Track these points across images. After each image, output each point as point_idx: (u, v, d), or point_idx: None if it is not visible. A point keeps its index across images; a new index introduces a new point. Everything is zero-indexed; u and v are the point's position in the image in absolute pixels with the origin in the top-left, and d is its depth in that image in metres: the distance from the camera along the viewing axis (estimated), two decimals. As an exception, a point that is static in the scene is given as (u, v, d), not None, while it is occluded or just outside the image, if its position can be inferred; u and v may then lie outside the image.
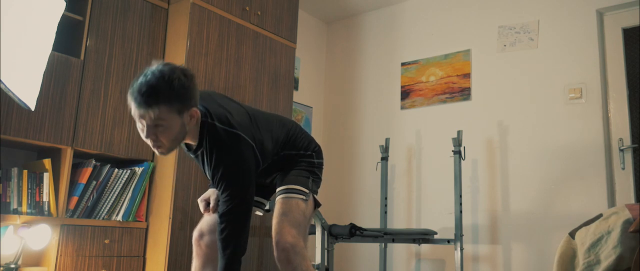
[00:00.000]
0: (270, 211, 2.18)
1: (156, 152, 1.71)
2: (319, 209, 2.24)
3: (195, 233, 2.00)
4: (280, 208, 1.88)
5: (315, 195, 1.98)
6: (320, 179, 2.03)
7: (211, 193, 2.01)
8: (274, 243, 1.82)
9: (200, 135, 1.74)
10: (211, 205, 1.97)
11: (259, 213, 2.16)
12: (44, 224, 2.34)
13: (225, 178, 1.73)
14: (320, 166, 2.04)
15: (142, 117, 1.61)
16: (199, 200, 2.02)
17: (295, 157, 1.98)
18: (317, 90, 4.34)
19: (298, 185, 1.92)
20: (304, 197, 1.91)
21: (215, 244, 1.93)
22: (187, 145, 1.84)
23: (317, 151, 2.04)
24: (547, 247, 3.02)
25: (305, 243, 1.86)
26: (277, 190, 1.94)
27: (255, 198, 2.04)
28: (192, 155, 1.85)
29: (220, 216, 1.74)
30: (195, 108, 1.69)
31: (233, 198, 1.72)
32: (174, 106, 1.61)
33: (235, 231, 1.72)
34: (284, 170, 1.97)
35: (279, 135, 1.94)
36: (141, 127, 1.65)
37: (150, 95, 1.56)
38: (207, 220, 2.00)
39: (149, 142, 1.67)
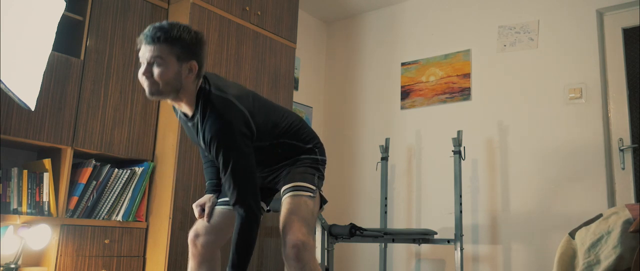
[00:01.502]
0: (270, 211, 2.18)
1: (146, 91, 1.75)
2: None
3: (191, 234, 1.99)
4: (288, 205, 1.85)
5: (321, 192, 1.97)
6: (323, 177, 2.02)
7: (206, 199, 2.01)
8: (283, 241, 1.79)
9: (196, 101, 1.79)
10: (206, 211, 1.98)
11: None
12: (44, 224, 2.34)
13: (217, 144, 1.74)
14: (323, 163, 2.03)
15: (143, 55, 1.73)
16: (194, 206, 2.02)
17: (297, 150, 1.97)
18: (317, 90, 4.34)
19: (305, 182, 1.90)
20: (312, 194, 1.90)
21: (211, 244, 1.96)
22: (185, 115, 1.84)
23: (319, 147, 2.04)
24: (547, 247, 3.02)
25: (313, 241, 1.85)
26: (284, 188, 1.91)
27: None
28: (189, 124, 1.85)
29: (224, 184, 1.79)
30: (196, 63, 1.76)
31: (227, 163, 1.74)
32: (174, 49, 1.72)
33: (240, 187, 1.74)
34: (287, 167, 1.96)
35: (279, 120, 1.94)
36: (141, 69, 1.74)
37: (155, 33, 1.71)
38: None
39: (143, 80, 1.73)
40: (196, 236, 1.97)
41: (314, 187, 1.91)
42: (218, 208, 1.99)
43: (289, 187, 1.89)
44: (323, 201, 1.98)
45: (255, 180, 1.78)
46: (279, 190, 1.97)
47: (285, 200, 1.87)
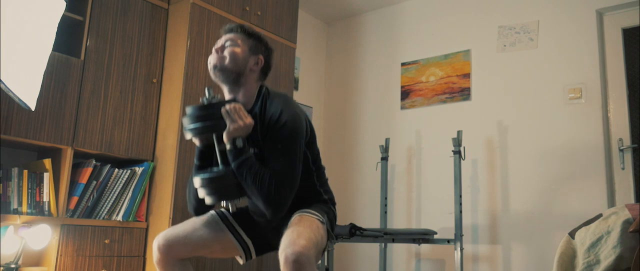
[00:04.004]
0: (252, 258, 2.00)
1: (211, 64, 1.84)
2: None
3: (161, 241, 1.91)
4: (292, 221, 1.72)
5: (330, 230, 1.85)
6: (333, 228, 1.91)
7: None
8: (280, 252, 1.58)
9: (258, 94, 1.87)
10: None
11: (239, 260, 1.97)
12: (44, 224, 2.35)
13: (284, 130, 1.74)
14: (335, 216, 1.94)
15: (219, 42, 1.87)
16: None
17: (315, 197, 1.91)
18: (317, 90, 4.34)
19: (314, 210, 1.82)
20: (320, 219, 1.77)
21: (181, 255, 1.91)
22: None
23: (334, 204, 1.97)
24: (547, 247, 3.03)
25: (315, 260, 1.66)
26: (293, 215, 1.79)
27: (245, 240, 1.93)
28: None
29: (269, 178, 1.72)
30: (263, 58, 1.90)
31: (286, 152, 1.73)
32: (248, 41, 1.88)
33: (286, 178, 1.71)
34: (297, 213, 1.81)
35: (319, 154, 2.00)
36: (214, 49, 1.87)
37: (236, 26, 1.90)
38: (176, 232, 1.94)
39: (212, 56, 1.85)
40: (168, 246, 1.89)
41: (322, 216, 1.79)
42: (206, 217, 1.93)
43: (296, 213, 1.79)
44: (331, 237, 1.87)
45: (298, 179, 1.77)
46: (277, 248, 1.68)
47: (291, 221, 1.75)
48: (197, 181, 1.78)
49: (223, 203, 1.86)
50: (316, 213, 1.80)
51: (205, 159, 1.87)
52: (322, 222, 1.77)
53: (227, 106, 1.74)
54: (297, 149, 1.77)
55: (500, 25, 3.49)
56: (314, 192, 1.92)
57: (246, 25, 1.91)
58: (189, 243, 1.90)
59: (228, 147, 1.74)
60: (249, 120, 1.75)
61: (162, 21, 2.96)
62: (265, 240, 1.95)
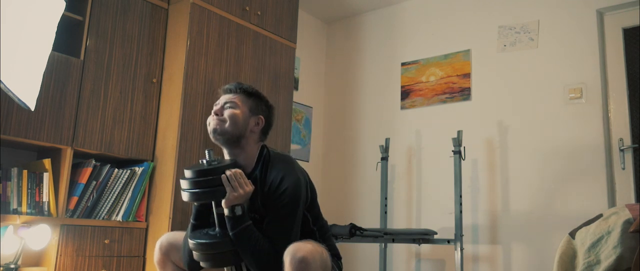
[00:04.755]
0: None
1: (211, 128, 1.82)
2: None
3: (164, 242, 1.94)
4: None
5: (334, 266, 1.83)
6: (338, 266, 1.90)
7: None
8: (285, 255, 1.59)
9: (258, 156, 1.85)
10: None
11: None
12: (43, 224, 2.34)
13: (286, 197, 1.73)
14: (339, 268, 1.91)
15: (219, 103, 1.87)
16: None
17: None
18: (317, 90, 4.34)
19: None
20: (326, 250, 1.74)
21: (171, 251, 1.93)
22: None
23: (338, 254, 1.95)
24: (547, 247, 3.02)
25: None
26: None
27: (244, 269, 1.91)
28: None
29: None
30: (263, 118, 1.89)
31: (286, 217, 1.72)
32: (248, 101, 1.88)
33: (286, 242, 1.68)
34: None
35: (319, 213, 1.96)
36: (213, 112, 1.86)
37: (236, 86, 1.91)
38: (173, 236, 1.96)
39: (212, 119, 1.84)
40: (169, 249, 1.92)
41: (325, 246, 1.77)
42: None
43: None
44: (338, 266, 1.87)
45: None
46: None
47: None
48: (192, 244, 1.76)
49: None
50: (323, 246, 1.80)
51: (202, 218, 1.85)
52: (328, 252, 1.74)
53: (228, 172, 1.72)
54: (296, 217, 1.77)
55: (500, 25, 3.49)
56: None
57: (245, 85, 1.90)
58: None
59: (226, 213, 1.72)
60: (249, 188, 1.74)
61: (162, 21, 2.96)
62: None
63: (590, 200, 2.95)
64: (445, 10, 3.78)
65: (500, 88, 3.42)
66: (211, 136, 1.84)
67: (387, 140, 3.65)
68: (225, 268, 1.86)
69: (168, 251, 1.91)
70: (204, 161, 1.77)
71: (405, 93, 3.86)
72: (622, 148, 2.96)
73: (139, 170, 2.73)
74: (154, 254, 1.94)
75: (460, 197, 3.10)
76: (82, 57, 2.61)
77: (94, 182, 2.60)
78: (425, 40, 3.84)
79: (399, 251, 3.64)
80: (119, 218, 2.64)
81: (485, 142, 3.41)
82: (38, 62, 1.63)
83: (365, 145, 4.01)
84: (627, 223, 1.74)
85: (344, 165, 4.09)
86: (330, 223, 2.85)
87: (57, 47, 2.33)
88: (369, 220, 3.78)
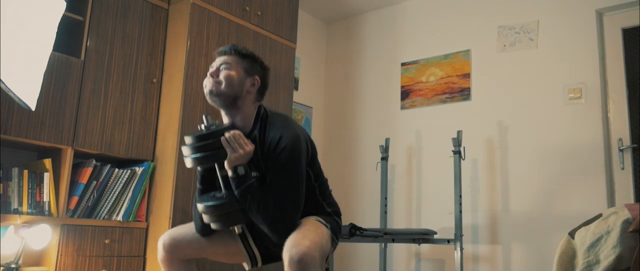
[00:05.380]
0: (257, 266, 2.01)
1: (207, 90, 1.83)
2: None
3: (166, 240, 1.93)
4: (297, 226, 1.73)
5: (335, 237, 1.85)
6: (337, 240, 1.91)
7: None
8: (284, 252, 1.57)
9: (256, 117, 1.86)
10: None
11: (245, 265, 2.00)
12: (44, 224, 2.35)
13: (286, 153, 1.74)
14: (339, 226, 1.93)
15: (214, 65, 1.87)
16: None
17: (319, 210, 1.91)
18: (317, 90, 4.35)
19: (319, 217, 1.84)
20: (325, 224, 1.79)
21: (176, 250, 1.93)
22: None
23: (337, 211, 1.97)
24: (547, 247, 3.03)
25: (320, 263, 1.63)
26: None
27: (252, 248, 1.94)
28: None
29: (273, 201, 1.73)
30: (259, 78, 1.89)
31: (289, 174, 1.73)
32: (243, 62, 1.87)
33: (292, 201, 1.72)
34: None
35: (320, 170, 1.96)
36: (208, 73, 1.87)
37: (230, 48, 1.89)
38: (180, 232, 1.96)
39: (208, 81, 1.84)
40: (173, 245, 1.91)
41: (326, 223, 1.81)
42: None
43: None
44: (335, 244, 1.88)
45: (303, 198, 1.78)
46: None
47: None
48: (200, 207, 1.78)
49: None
50: (321, 219, 1.82)
51: (208, 182, 1.87)
52: (326, 227, 1.78)
53: (227, 134, 1.73)
54: (299, 171, 1.77)
55: (500, 25, 3.49)
56: (317, 207, 1.92)
57: (239, 47, 1.90)
58: (195, 243, 1.92)
59: (230, 174, 1.74)
60: (249, 147, 1.75)
61: (162, 21, 2.96)
62: (273, 251, 1.93)
63: (589, 200, 2.95)
64: (445, 10, 3.79)
65: (500, 88, 3.42)
66: (208, 98, 1.85)
67: (387, 140, 3.65)
68: (235, 227, 1.87)
69: (172, 248, 1.92)
70: (203, 126, 1.78)
71: (405, 93, 3.86)
72: (621, 148, 2.97)
73: (139, 170, 2.74)
74: (158, 253, 1.94)
75: (460, 196, 3.11)
76: (82, 57, 2.61)
77: (95, 182, 2.61)
78: (425, 40, 3.85)
79: (399, 251, 3.65)
80: (120, 218, 2.65)
81: (485, 142, 3.41)
82: (38, 62, 1.63)
83: (365, 145, 4.01)
84: (627, 222, 1.75)
85: (344, 165, 4.10)
86: (330, 223, 2.86)
87: (57, 47, 2.34)
88: (369, 220, 3.78)
